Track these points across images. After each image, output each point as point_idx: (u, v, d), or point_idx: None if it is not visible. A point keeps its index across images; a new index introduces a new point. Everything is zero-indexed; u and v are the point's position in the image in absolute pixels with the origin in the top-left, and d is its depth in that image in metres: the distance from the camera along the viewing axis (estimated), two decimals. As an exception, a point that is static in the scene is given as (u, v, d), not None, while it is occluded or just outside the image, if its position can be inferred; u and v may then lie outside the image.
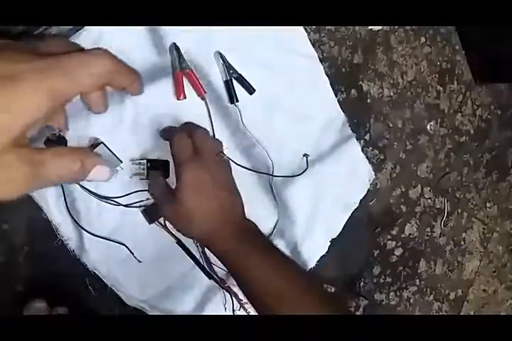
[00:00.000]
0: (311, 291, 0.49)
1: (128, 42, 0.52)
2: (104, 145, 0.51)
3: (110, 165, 0.31)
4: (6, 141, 0.24)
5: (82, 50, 0.31)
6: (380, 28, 0.73)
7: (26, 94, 0.24)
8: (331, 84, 0.67)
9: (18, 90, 0.24)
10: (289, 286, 0.47)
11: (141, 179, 0.53)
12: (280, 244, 0.65)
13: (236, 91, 0.58)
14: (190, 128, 0.53)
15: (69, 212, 0.50)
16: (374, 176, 0.75)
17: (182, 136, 0.51)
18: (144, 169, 0.53)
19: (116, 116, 0.52)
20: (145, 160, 0.53)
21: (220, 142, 0.55)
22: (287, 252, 0.66)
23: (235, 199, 0.53)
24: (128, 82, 0.32)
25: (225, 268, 0.52)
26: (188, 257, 0.57)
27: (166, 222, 0.55)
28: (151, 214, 0.54)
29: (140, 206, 0.54)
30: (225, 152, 0.54)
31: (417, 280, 0.89)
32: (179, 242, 0.56)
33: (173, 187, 0.52)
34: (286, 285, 0.47)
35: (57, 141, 0.47)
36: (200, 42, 0.56)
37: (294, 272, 0.50)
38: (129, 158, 0.53)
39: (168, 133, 0.53)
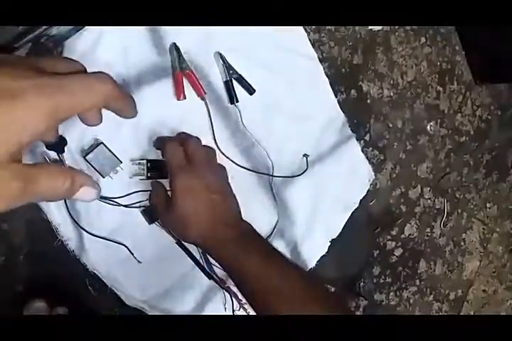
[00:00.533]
0: (312, 290, 0.49)
1: (128, 42, 0.52)
2: (104, 145, 0.51)
3: (97, 187, 0.31)
4: (2, 157, 0.24)
5: (84, 70, 0.31)
6: (380, 28, 0.73)
7: (26, 112, 0.24)
8: (330, 84, 0.67)
9: (18, 107, 0.24)
10: (290, 285, 0.47)
11: (141, 179, 0.53)
12: (280, 244, 0.65)
13: (236, 91, 0.58)
14: (182, 137, 0.53)
15: (69, 212, 0.50)
16: (374, 176, 0.75)
17: (173, 144, 0.51)
18: (143, 169, 0.53)
19: (116, 116, 0.52)
20: (145, 161, 0.53)
21: (213, 149, 0.55)
22: (287, 252, 0.66)
23: (230, 202, 0.53)
24: (125, 106, 0.32)
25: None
26: (188, 257, 0.57)
27: (166, 222, 0.55)
28: (151, 214, 0.54)
29: (140, 206, 0.54)
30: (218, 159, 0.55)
31: (417, 281, 0.89)
32: (179, 242, 0.56)
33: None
34: (287, 284, 0.47)
35: (58, 142, 0.47)
36: (200, 42, 0.56)
37: (294, 271, 0.50)
38: (129, 159, 0.53)
39: (160, 143, 0.54)
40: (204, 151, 0.53)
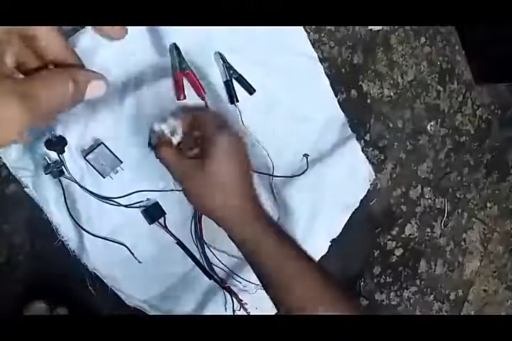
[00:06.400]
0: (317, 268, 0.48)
1: (128, 42, 0.52)
2: (104, 145, 0.51)
3: (103, 78, 0.28)
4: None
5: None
6: (380, 28, 0.73)
7: (5, 114, 0.24)
8: (331, 84, 0.67)
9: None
10: (301, 264, 0.46)
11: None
12: (280, 244, 0.65)
13: (236, 91, 0.58)
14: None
15: (69, 212, 0.50)
16: (374, 176, 0.75)
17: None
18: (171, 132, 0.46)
19: (117, 116, 0.52)
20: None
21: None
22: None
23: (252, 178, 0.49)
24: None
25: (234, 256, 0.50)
26: (189, 257, 0.57)
27: (166, 223, 0.55)
28: (151, 214, 0.54)
29: (140, 206, 0.54)
30: None
31: (418, 281, 0.89)
32: (179, 242, 0.56)
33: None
34: (298, 263, 0.46)
35: (58, 142, 0.47)
36: (200, 42, 0.56)
37: (305, 255, 0.48)
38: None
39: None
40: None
